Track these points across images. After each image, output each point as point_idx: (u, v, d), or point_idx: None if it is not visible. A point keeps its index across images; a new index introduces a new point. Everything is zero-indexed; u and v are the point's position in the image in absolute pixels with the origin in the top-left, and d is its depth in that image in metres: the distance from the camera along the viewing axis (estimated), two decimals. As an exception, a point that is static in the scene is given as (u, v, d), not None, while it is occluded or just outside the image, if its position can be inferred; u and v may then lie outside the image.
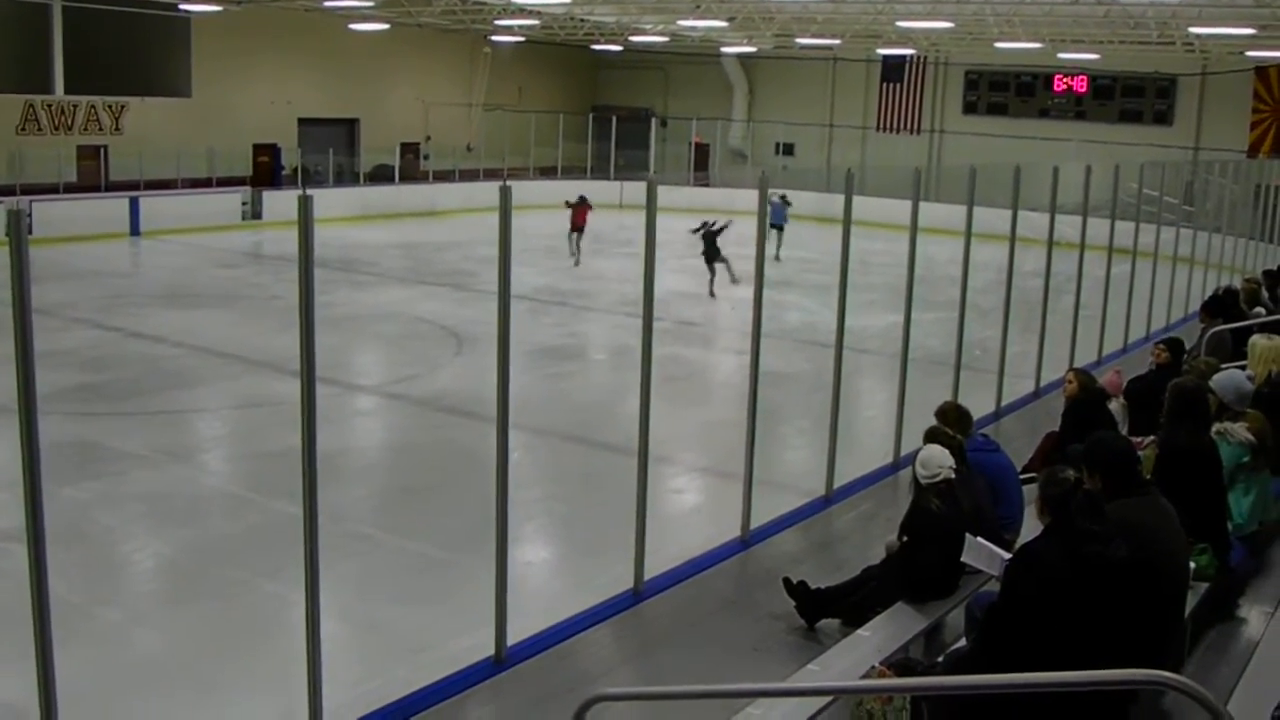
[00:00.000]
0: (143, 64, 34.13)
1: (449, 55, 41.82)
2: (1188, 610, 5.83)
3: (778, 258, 26.61)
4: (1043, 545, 5.25)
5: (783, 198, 28.46)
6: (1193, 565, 6.12)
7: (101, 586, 9.10)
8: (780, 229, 27.68)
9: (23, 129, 30.98)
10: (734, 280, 22.12)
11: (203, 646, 8.10)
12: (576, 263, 26.79)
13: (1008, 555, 6.27)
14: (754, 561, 9.27)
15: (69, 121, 32.00)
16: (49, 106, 31.59)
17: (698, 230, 23.42)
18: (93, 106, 32.48)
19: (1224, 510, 6.84)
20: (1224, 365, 9.37)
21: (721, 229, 23.18)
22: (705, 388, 16.49)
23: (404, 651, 7.88)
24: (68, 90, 31.84)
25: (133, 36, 33.17)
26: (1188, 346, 12.31)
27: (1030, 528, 6.77)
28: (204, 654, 8.00)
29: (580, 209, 27.47)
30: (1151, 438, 8.18)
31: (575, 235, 27.35)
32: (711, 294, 22.54)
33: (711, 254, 23.00)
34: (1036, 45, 32.75)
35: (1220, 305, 13.33)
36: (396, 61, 39.85)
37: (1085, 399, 9.66)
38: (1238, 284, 15.44)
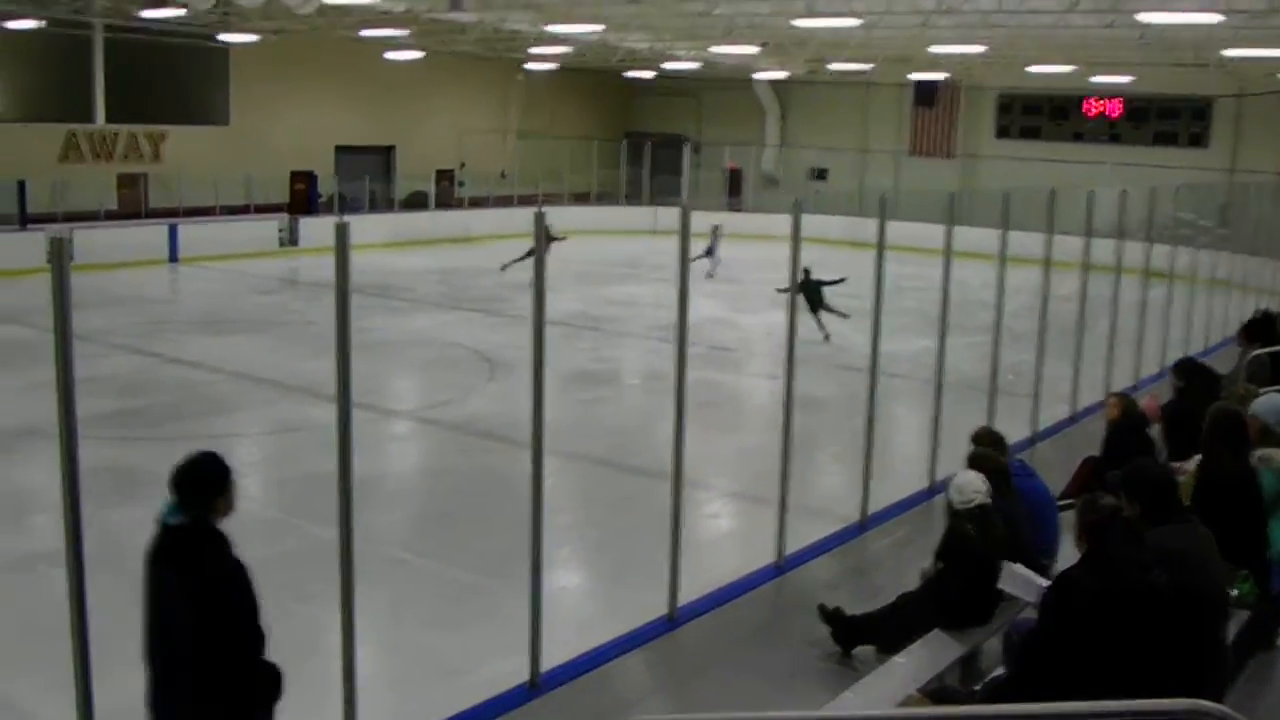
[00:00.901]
0: (182, 93, 34.51)
1: (483, 83, 42.07)
2: (1228, 639, 5.75)
3: (712, 275, 28.47)
4: (1082, 573, 5.20)
5: (715, 229, 29.89)
6: (1233, 593, 6.04)
7: (140, 611, 9.13)
8: (710, 254, 29.21)
9: (65, 157, 31.36)
10: (825, 338, 20.28)
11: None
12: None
13: (1045, 582, 6.22)
14: (789, 588, 9.22)
15: (110, 150, 32.38)
16: (90, 135, 31.97)
17: (785, 290, 21.03)
18: (133, 135, 32.85)
19: (1264, 538, 6.75)
20: (1263, 390, 9.28)
21: (833, 283, 20.60)
22: (738, 412, 16.45)
23: (439, 676, 7.88)
24: (109, 119, 32.21)
25: (172, 66, 33.56)
26: (1227, 370, 12.21)
27: (1068, 555, 6.71)
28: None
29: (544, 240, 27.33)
30: (1194, 458, 8.09)
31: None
32: (825, 338, 20.41)
33: (815, 302, 20.59)
34: (1070, 68, 32.64)
35: (1259, 329, 13.22)
36: (432, 90, 40.12)
37: (1126, 423, 9.58)
38: (1276, 307, 15.30)
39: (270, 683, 5.02)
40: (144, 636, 5.05)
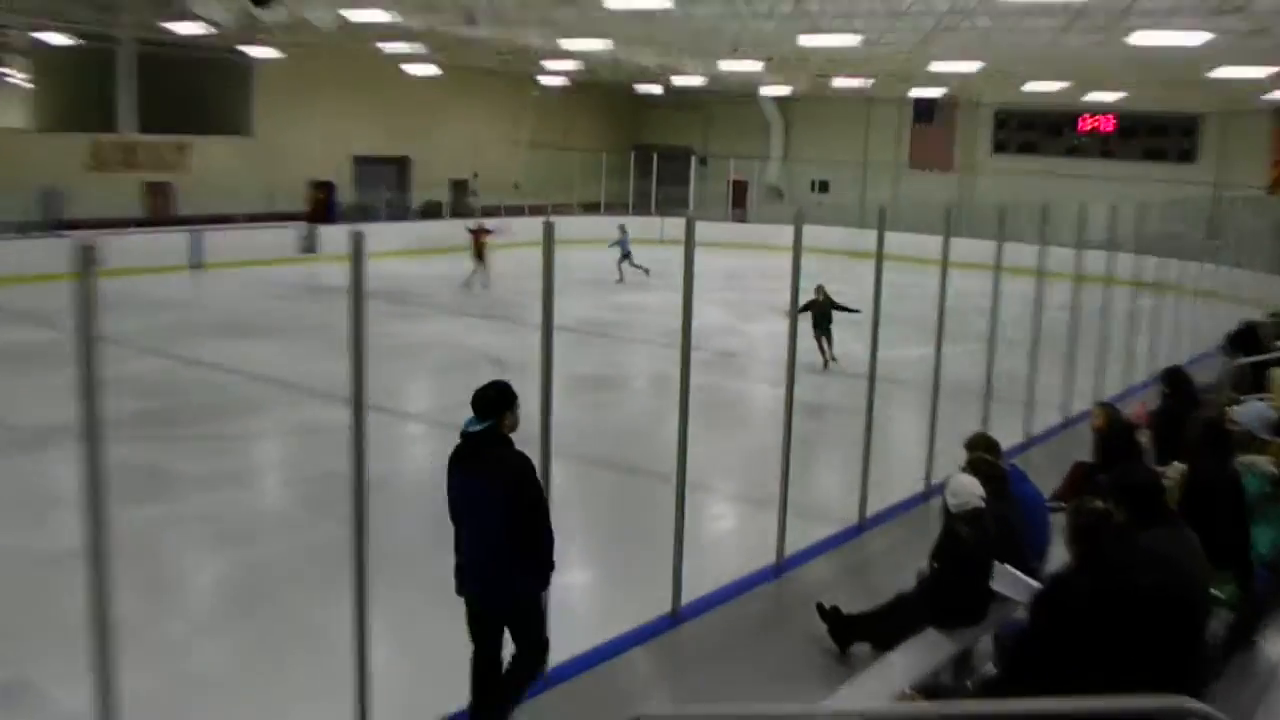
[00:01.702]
0: (207, 105, 34.60)
1: (497, 97, 42.13)
2: (1211, 637, 5.74)
3: (620, 280, 29.27)
4: (1072, 574, 5.19)
5: (621, 227, 30.38)
6: (1217, 594, 6.03)
7: (165, 601, 9.15)
8: (628, 256, 29.76)
9: (94, 166, 31.44)
10: (827, 362, 18.97)
11: (259, 660, 8.14)
12: (469, 285, 27.22)
13: (1036, 584, 6.21)
14: (788, 587, 9.23)
15: (137, 159, 32.45)
16: (119, 145, 32.05)
17: (805, 309, 17.56)
18: (160, 145, 32.92)
19: (1248, 540, 6.75)
20: (1246, 397, 9.27)
21: (849, 310, 18.33)
22: (741, 417, 16.43)
23: (449, 668, 7.86)
24: (137, 130, 32.30)
25: (198, 79, 33.64)
26: (1210, 380, 12.19)
27: (1058, 557, 6.69)
28: (260, 668, 8.03)
29: (478, 234, 27.74)
30: (1176, 465, 8.09)
31: (475, 261, 27.49)
32: (832, 359, 19.02)
33: (822, 323, 19.08)
34: (1064, 85, 32.60)
35: (1243, 339, 13.20)
36: (447, 102, 40.19)
37: (1114, 431, 9.56)
38: (1260, 318, 15.27)
39: (546, 558, 6.39)
40: (454, 523, 6.46)
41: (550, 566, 6.47)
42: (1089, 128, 38.81)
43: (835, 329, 19.13)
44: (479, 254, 27.47)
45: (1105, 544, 5.15)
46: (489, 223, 29.35)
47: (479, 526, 6.33)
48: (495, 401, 6.36)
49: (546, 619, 6.71)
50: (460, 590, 6.53)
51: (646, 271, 29.21)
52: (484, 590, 6.45)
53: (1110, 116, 38.19)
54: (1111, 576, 5.02)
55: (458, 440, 6.47)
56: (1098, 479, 8.33)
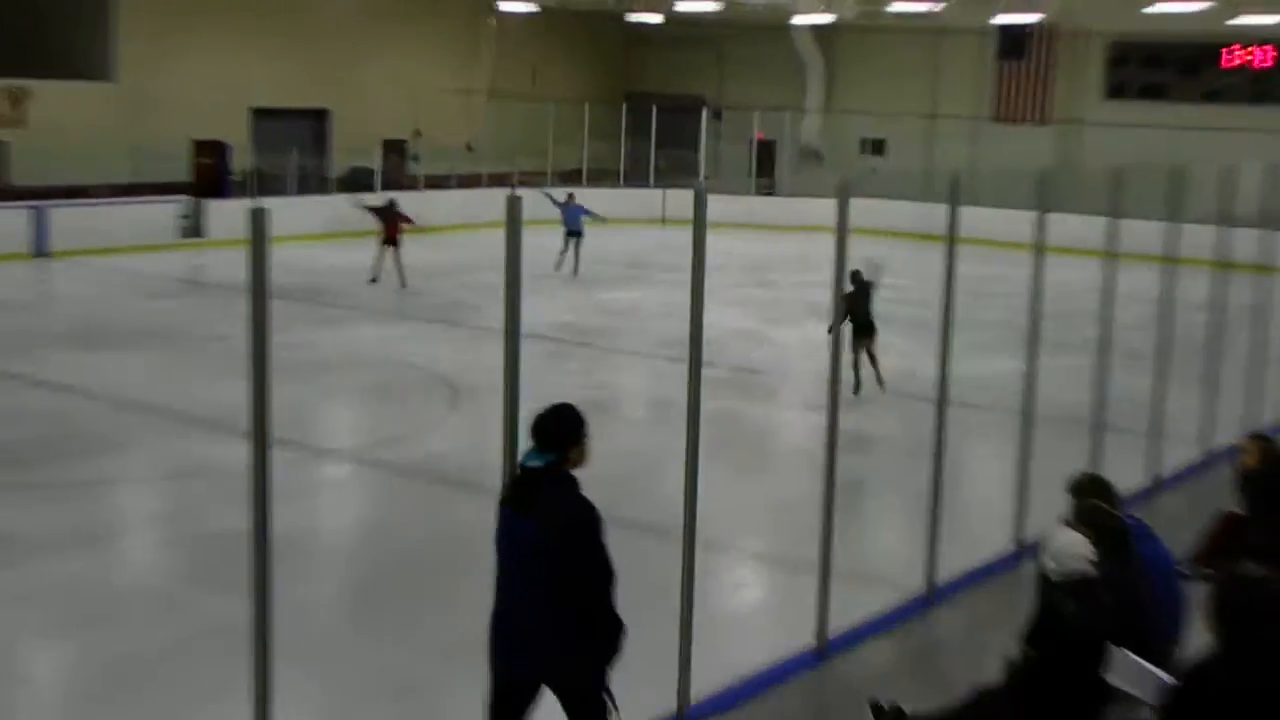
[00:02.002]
0: (52, 39, 34.53)
1: (444, 30, 42.20)
2: None
3: (576, 272, 28.73)
4: (1217, 666, 5.18)
5: (570, 196, 29.78)
6: None
7: (-5, 707, 9.13)
8: (578, 237, 29.12)
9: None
10: (859, 382, 17.73)
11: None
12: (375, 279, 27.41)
13: (1167, 676, 6.20)
14: (833, 678, 9.24)
15: (-43, 112, 32.47)
16: (-71, 92, 32.08)
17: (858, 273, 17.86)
18: (-12, 92, 32.95)
19: None
20: None
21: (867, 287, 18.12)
22: (770, 453, 16.43)
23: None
24: (-46, 71, 32.32)
25: (38, 5, 33.56)
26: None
27: (1197, 640, 6.70)
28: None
29: (392, 218, 27.87)
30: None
31: (389, 251, 27.66)
32: (878, 382, 17.78)
33: (862, 324, 17.81)
34: (1204, 6, 32.56)
35: None
36: (378, 37, 40.21)
37: (1271, 472, 9.56)
38: None
39: (614, 632, 6.61)
40: (496, 575, 6.67)
41: (614, 648, 6.64)
42: (1237, 63, 38.77)
43: (893, 336, 18.98)
44: (391, 240, 27.40)
45: (1263, 625, 5.14)
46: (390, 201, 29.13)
47: (523, 580, 6.57)
48: (559, 431, 6.70)
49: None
50: (492, 659, 6.76)
51: (558, 266, 28.89)
52: (521, 659, 6.67)
53: (1268, 48, 38.11)
54: (1272, 669, 5.01)
55: (517, 473, 6.75)
56: (1251, 535, 8.34)
